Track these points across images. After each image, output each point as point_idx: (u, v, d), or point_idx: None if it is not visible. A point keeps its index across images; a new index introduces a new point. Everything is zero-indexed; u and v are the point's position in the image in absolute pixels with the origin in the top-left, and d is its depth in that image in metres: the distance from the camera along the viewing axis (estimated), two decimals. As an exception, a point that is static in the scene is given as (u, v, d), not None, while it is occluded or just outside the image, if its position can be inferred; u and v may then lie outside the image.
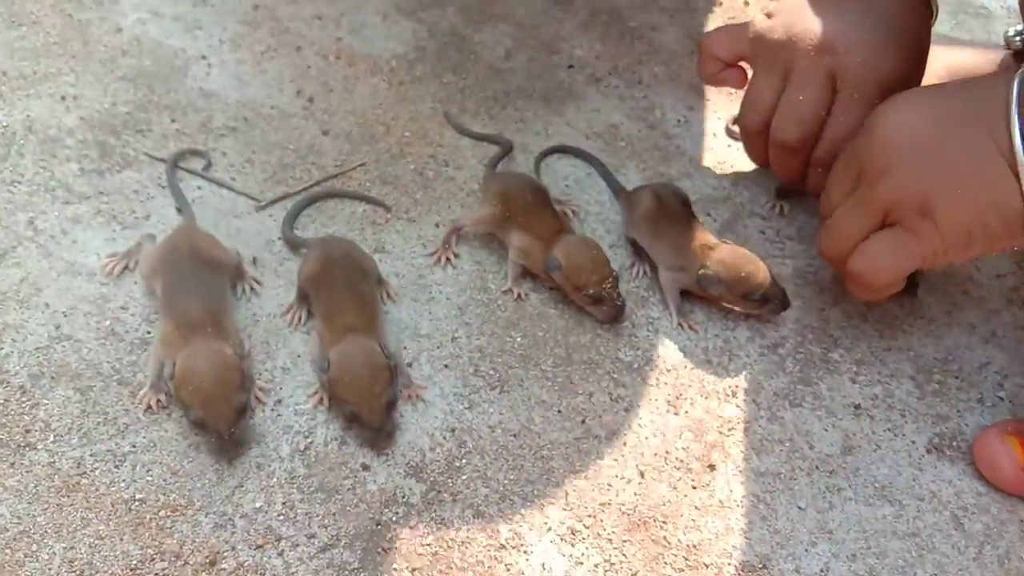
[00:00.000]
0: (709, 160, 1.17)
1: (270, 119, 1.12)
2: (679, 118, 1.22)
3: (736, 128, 1.17)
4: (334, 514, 0.78)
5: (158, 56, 1.18)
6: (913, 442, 0.90)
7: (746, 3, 1.42)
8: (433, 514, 0.79)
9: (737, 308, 0.97)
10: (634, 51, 1.31)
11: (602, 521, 0.81)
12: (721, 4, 1.42)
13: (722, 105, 1.24)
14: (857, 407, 0.93)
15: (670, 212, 0.99)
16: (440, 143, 1.13)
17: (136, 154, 1.06)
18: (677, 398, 0.91)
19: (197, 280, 0.85)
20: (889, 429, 0.91)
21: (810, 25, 0.95)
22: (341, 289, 0.87)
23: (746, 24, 1.03)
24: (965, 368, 0.98)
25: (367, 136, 1.12)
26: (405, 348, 0.91)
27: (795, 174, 1.02)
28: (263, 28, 1.24)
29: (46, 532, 0.75)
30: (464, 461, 0.83)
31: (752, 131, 1.03)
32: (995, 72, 1.11)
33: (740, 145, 1.18)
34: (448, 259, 0.99)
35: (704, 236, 0.97)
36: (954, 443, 0.91)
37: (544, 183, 1.06)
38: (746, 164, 1.16)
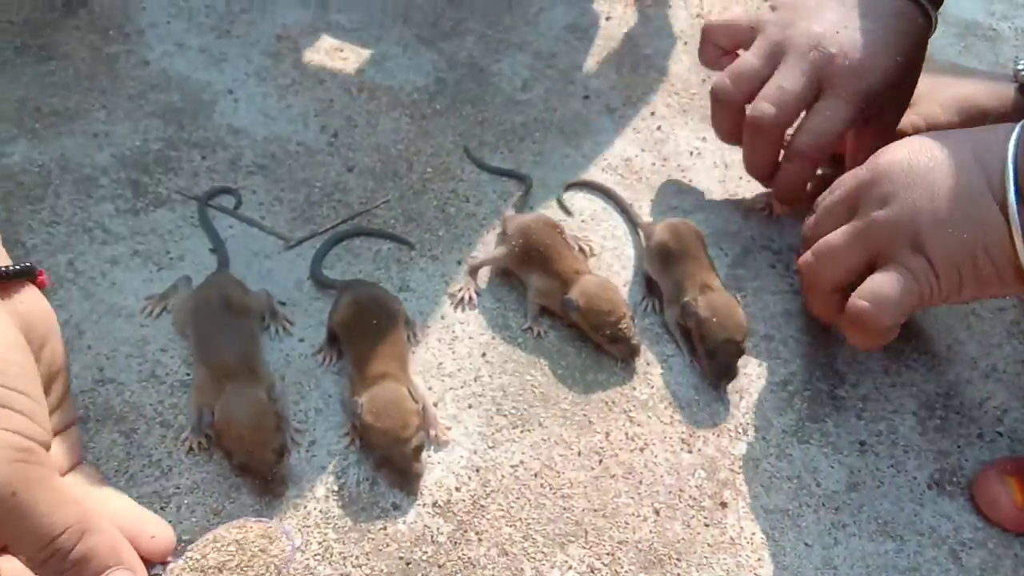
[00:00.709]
0: (720, 193, 1.20)
1: (296, 156, 1.16)
2: (692, 150, 1.26)
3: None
4: (367, 553, 0.83)
5: (186, 91, 1.22)
6: (915, 478, 0.95)
7: (757, 28, 1.45)
8: (460, 553, 0.84)
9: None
10: (648, 80, 1.34)
11: (620, 559, 0.86)
12: (733, 29, 1.44)
13: (734, 136, 1.28)
14: (862, 444, 0.97)
15: (680, 248, 1.03)
16: (461, 178, 1.17)
17: (168, 192, 1.10)
18: (690, 436, 0.96)
19: (228, 329, 0.90)
20: (892, 465, 0.96)
21: (808, 22, 0.99)
22: (371, 335, 0.91)
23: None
24: (966, 403, 1.02)
25: (390, 172, 1.16)
26: (430, 388, 0.96)
27: (764, 161, 1.06)
28: (286, 61, 1.28)
29: (100, 573, 0.80)
30: (488, 500, 0.88)
31: (726, 99, 1.06)
32: (1005, 110, 1.15)
33: (750, 177, 1.22)
34: (470, 298, 1.04)
35: (705, 275, 1.00)
36: (954, 479, 0.96)
37: (563, 218, 1.10)
38: (759, 198, 1.20)
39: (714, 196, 1.20)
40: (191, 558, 0.74)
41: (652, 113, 1.30)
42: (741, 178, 1.23)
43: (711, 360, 0.97)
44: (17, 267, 0.71)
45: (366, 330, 0.92)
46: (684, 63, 1.38)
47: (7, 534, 0.59)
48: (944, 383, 1.04)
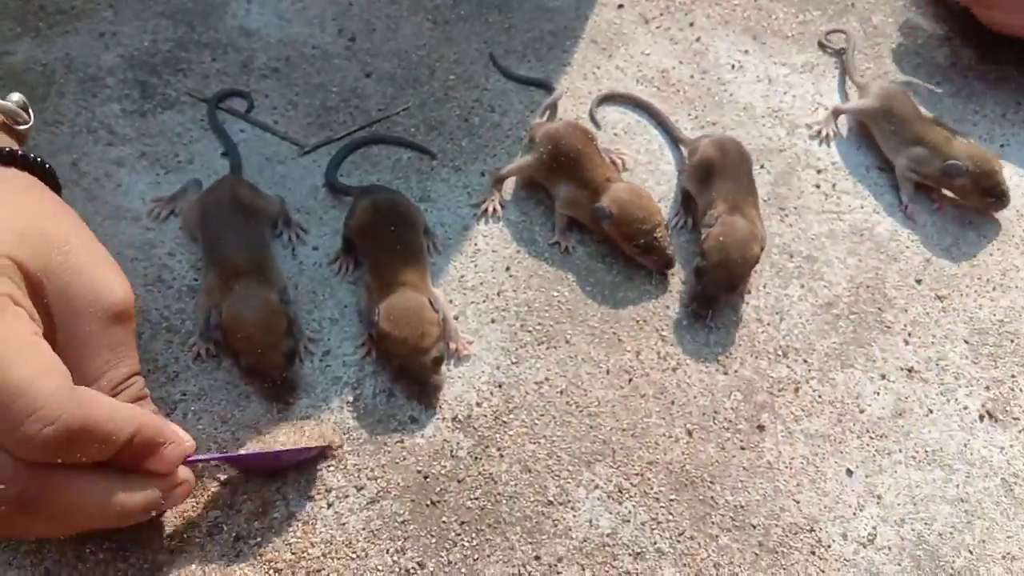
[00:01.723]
0: (763, 108, 1.14)
1: (312, 60, 1.10)
2: (733, 63, 1.19)
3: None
4: (383, 466, 0.79)
5: (196, -9, 1.15)
6: (965, 407, 0.90)
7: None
8: (481, 468, 0.80)
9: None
10: (687, -10, 1.27)
11: (649, 480, 0.81)
12: (779, -61, 1.36)
13: (779, 49, 1.20)
14: (910, 370, 0.92)
15: (723, 167, 0.96)
16: (485, 87, 1.11)
17: (177, 95, 1.05)
18: (726, 357, 0.90)
19: (239, 230, 0.85)
20: (942, 393, 0.90)
21: None
22: (389, 242, 0.87)
23: None
24: (1021, 331, 0.96)
25: (411, 79, 1.10)
26: (451, 301, 0.91)
27: None
28: (304, -40, 1.21)
29: (102, 478, 0.76)
30: (511, 416, 0.84)
31: None
32: None
33: (797, 91, 1.15)
34: (494, 210, 0.98)
35: (742, 198, 0.94)
36: (1007, 408, 0.90)
37: (593, 131, 1.04)
38: (803, 113, 1.13)
39: (757, 111, 1.13)
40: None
41: (691, 24, 1.22)
42: (786, 93, 1.16)
43: (697, 278, 0.91)
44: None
45: (384, 236, 0.87)
46: (726, -27, 1.30)
47: (116, 353, 0.64)
48: (999, 309, 0.98)
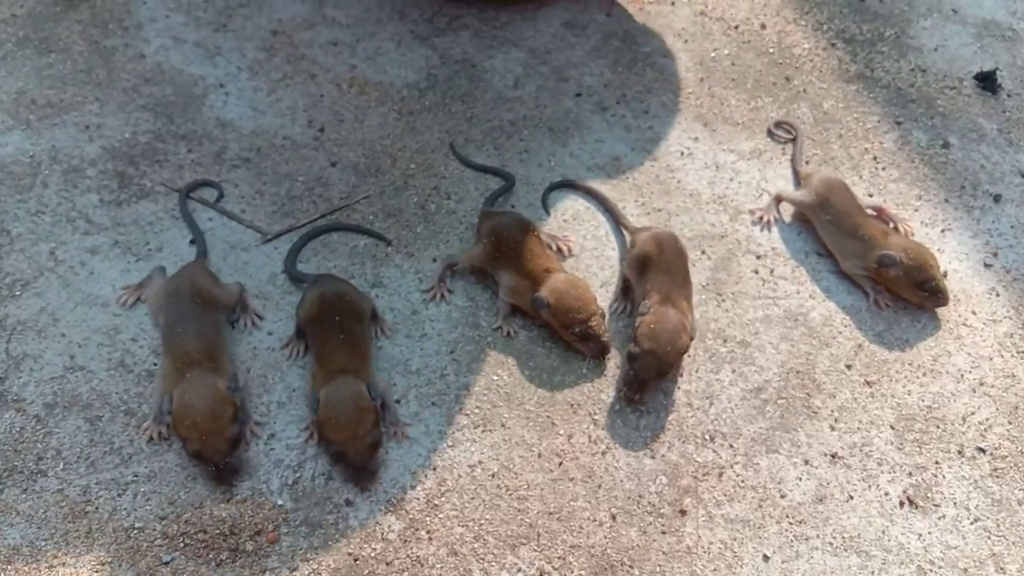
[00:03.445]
0: (709, 195, 1.19)
1: (282, 150, 1.18)
2: (683, 150, 1.24)
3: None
4: (316, 548, 0.84)
5: (178, 84, 1.24)
6: (887, 493, 0.93)
7: (763, 26, 1.43)
8: (409, 551, 0.85)
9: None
10: (644, 79, 1.33)
11: (571, 563, 0.85)
12: (737, 28, 1.42)
13: (728, 136, 1.26)
14: (834, 456, 0.95)
15: (660, 261, 1.01)
16: (444, 175, 1.17)
17: (152, 184, 1.12)
18: (655, 441, 0.95)
19: (195, 319, 0.91)
20: (864, 479, 0.94)
21: None
22: (334, 331, 0.92)
23: None
24: (948, 417, 0.99)
25: (373, 168, 1.17)
26: (395, 384, 0.96)
27: None
28: (280, 54, 1.29)
29: (54, 557, 0.82)
30: (443, 499, 0.88)
31: None
32: None
33: (743, 178, 1.20)
34: (443, 295, 1.04)
35: (675, 291, 0.99)
36: (928, 494, 0.93)
37: (542, 217, 1.10)
38: (747, 199, 1.18)
39: (702, 198, 1.18)
40: None
41: (645, 112, 1.28)
42: (732, 179, 1.21)
43: (629, 363, 0.95)
44: None
45: (329, 326, 0.93)
46: (683, 61, 1.36)
47: None
48: (928, 395, 1.01)
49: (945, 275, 1.11)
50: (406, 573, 0.83)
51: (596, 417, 0.96)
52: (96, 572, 0.81)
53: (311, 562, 0.83)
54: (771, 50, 1.39)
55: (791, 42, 1.41)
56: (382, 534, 0.86)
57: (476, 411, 0.95)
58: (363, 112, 1.24)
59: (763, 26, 1.42)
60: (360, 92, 1.26)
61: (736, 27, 1.42)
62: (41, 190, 1.10)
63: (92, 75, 1.23)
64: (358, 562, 0.84)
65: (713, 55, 1.37)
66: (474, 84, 1.29)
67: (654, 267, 1.01)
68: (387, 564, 0.84)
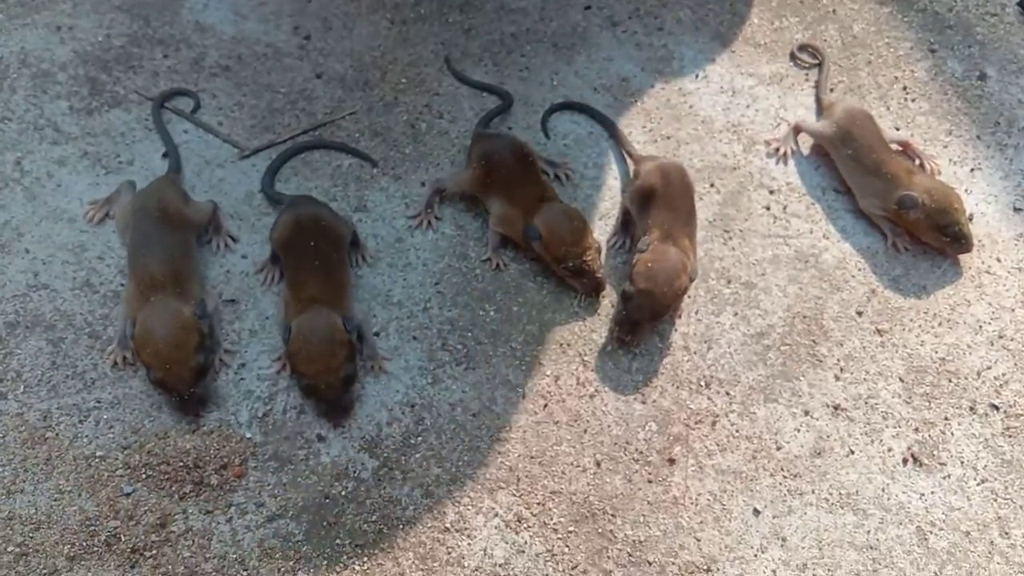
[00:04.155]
0: (722, 122, 1.11)
1: (264, 59, 1.11)
2: (698, 72, 1.16)
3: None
4: (285, 484, 0.81)
5: (157, -18, 1.16)
6: (890, 449, 0.89)
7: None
8: (383, 491, 0.82)
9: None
10: (660, -9, 1.24)
11: (551, 510, 0.82)
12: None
13: (748, 58, 1.18)
14: (836, 407, 0.91)
15: (664, 194, 0.95)
16: (437, 91, 1.11)
17: (126, 92, 1.06)
18: (647, 385, 0.90)
19: (161, 239, 0.87)
20: (867, 433, 0.89)
21: None
22: (309, 258, 0.87)
23: None
24: (962, 371, 0.94)
25: (361, 81, 1.10)
26: (375, 316, 0.92)
27: None
28: (267, -46, 1.21)
29: (11, 483, 0.79)
30: (420, 439, 0.85)
31: None
32: None
33: (760, 105, 1.13)
34: (429, 223, 0.99)
35: (678, 228, 0.93)
36: (934, 452, 0.89)
37: (540, 141, 1.04)
38: (763, 128, 1.11)
39: (715, 125, 1.11)
40: None
41: (660, 28, 1.20)
42: (748, 107, 1.14)
43: (623, 303, 0.91)
44: None
45: (303, 252, 0.88)
46: (704, -26, 1.26)
47: None
48: (942, 346, 0.96)
49: (971, 218, 1.04)
50: (377, 514, 0.80)
51: (586, 358, 0.92)
52: (55, 501, 0.79)
53: (279, 499, 0.80)
54: (801, -35, 1.29)
55: (823, -44, 1.30)
56: (355, 472, 0.83)
57: (459, 347, 0.91)
58: (353, 19, 1.16)
59: (794, -62, 1.32)
60: (352, -3, 1.18)
61: (764, -62, 1.31)
62: (8, 95, 1.04)
63: (64, -30, 1.16)
64: (328, 500, 0.81)
65: (737, -32, 1.27)
66: (475, -7, 1.20)
67: (657, 201, 0.95)
68: (358, 504, 0.81)
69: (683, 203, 0.96)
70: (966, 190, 1.08)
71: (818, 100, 1.13)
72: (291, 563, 0.77)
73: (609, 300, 0.96)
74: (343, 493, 0.81)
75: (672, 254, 0.90)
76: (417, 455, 0.84)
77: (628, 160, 1.05)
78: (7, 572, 0.75)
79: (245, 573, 0.76)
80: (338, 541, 0.79)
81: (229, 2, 1.15)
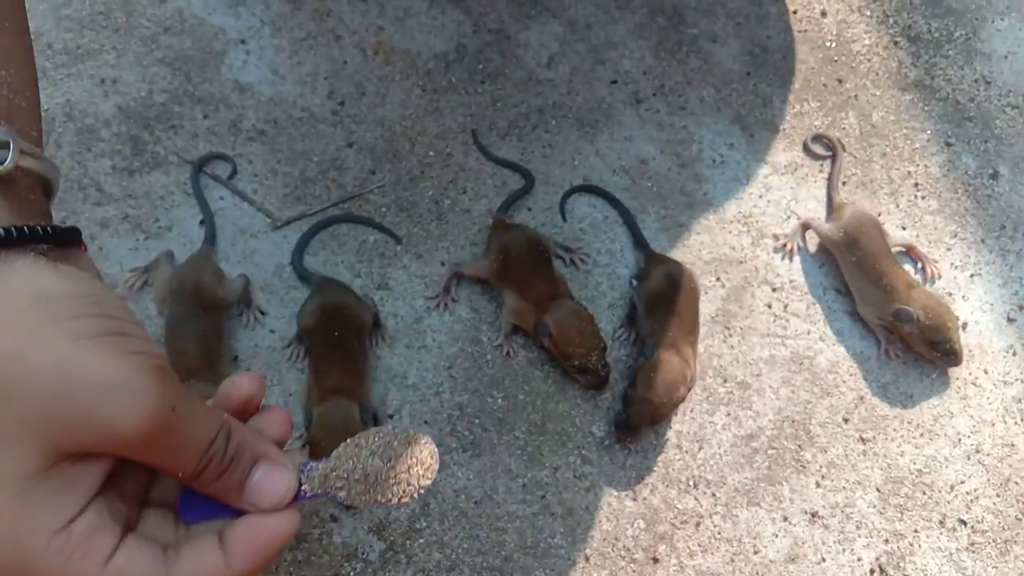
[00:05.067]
0: (734, 212, 1.18)
1: (299, 123, 1.18)
2: (715, 157, 1.22)
3: None
4: (300, 562, 0.91)
5: (198, 36, 1.22)
6: (859, 559, 0.97)
7: (823, 14, 1.36)
8: (387, 573, 0.91)
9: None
10: (686, 67, 1.29)
11: (540, 601, 0.91)
12: (796, 13, 1.36)
13: (766, 144, 1.23)
14: (814, 515, 0.99)
15: (671, 300, 1.02)
16: (463, 166, 1.17)
17: (166, 153, 1.13)
18: (639, 482, 0.99)
19: (197, 322, 0.95)
20: (839, 542, 0.98)
21: None
22: (332, 347, 0.96)
23: None
24: (937, 483, 1.02)
25: (391, 152, 1.17)
26: (390, 399, 1.00)
27: None
28: (305, 9, 1.27)
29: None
30: (424, 524, 0.94)
31: None
32: None
33: (773, 195, 1.19)
34: (447, 305, 1.06)
35: (680, 336, 1.00)
36: (900, 564, 0.97)
37: (558, 224, 1.11)
38: (774, 221, 1.17)
39: (727, 215, 1.18)
40: (337, 458, 0.71)
41: (682, 108, 1.26)
42: (761, 197, 1.20)
43: (623, 406, 0.98)
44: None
45: (327, 340, 0.96)
46: (731, 49, 1.31)
47: (167, 453, 0.55)
48: (921, 458, 1.04)
49: (964, 327, 1.11)
50: (382, 596, 0.90)
51: (584, 451, 1.00)
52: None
53: (292, 575, 0.90)
54: (828, 43, 1.34)
55: (851, 35, 1.35)
56: (363, 554, 0.92)
57: (467, 434, 1.00)
58: (386, 84, 1.22)
59: (824, 13, 1.36)
60: (385, 60, 1.24)
61: (795, 12, 1.36)
62: (54, 150, 1.12)
63: (111, 19, 1.22)
64: (337, 580, 0.90)
65: (764, 45, 1.32)
66: (505, 60, 1.26)
67: (665, 306, 1.02)
68: (365, 585, 0.90)
69: (688, 311, 1.03)
70: (963, 297, 1.14)
71: (829, 197, 1.19)
72: (302, 638, 0.87)
73: (611, 393, 1.04)
74: (351, 574, 0.91)
75: (674, 364, 0.98)
76: (421, 540, 0.94)
77: (640, 254, 1.12)
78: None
79: (261, 645, 0.86)
80: (345, 620, 0.89)
81: (268, 60, 1.22)
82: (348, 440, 0.68)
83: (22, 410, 0.50)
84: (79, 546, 0.54)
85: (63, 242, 0.55)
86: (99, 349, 0.52)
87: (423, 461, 0.70)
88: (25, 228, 0.52)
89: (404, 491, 0.68)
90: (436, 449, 0.68)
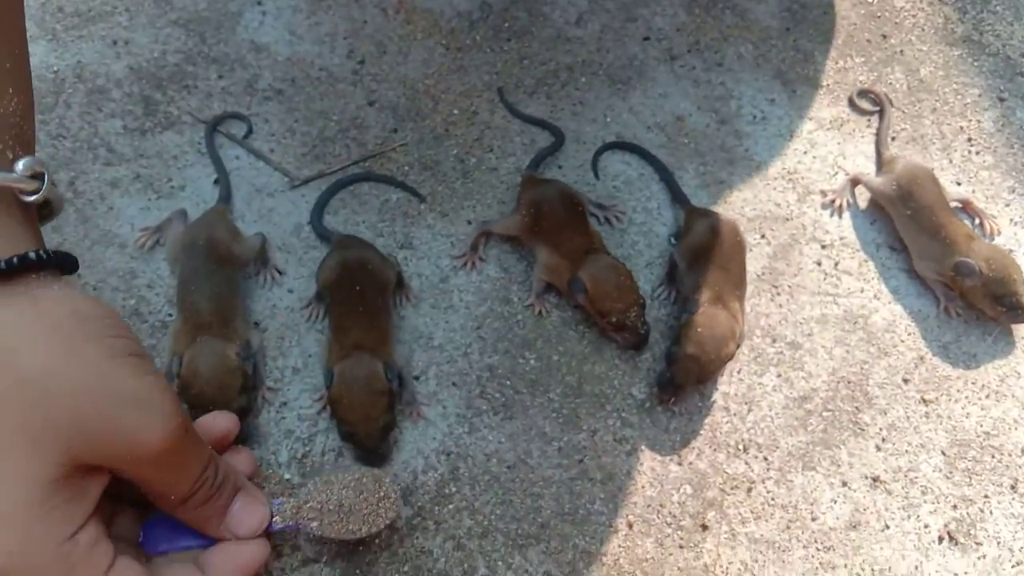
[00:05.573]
0: (778, 169, 1.13)
1: (317, 83, 1.14)
2: (756, 113, 1.17)
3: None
4: (321, 529, 0.85)
5: (213, -3, 1.20)
6: (926, 526, 0.91)
7: (864, -30, 1.32)
8: (415, 541, 0.86)
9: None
10: (722, 24, 1.25)
11: (580, 570, 0.85)
12: (834, -31, 1.32)
13: (808, 100, 1.18)
14: (875, 479, 0.93)
15: (716, 253, 0.97)
16: (488, 124, 1.13)
17: (179, 113, 1.10)
18: (684, 446, 0.93)
19: (209, 277, 0.91)
20: (904, 508, 0.91)
21: None
22: (354, 302, 0.91)
23: None
24: (1006, 447, 0.96)
25: (413, 111, 1.13)
26: (416, 360, 0.96)
27: None
28: (324, -30, 1.24)
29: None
30: (454, 489, 0.89)
31: None
32: None
33: (819, 151, 1.14)
34: (474, 264, 1.02)
35: (728, 289, 0.95)
36: (971, 531, 0.91)
37: (590, 181, 1.06)
38: (820, 177, 1.12)
39: (770, 172, 1.12)
40: (308, 493, 0.75)
41: (719, 64, 1.21)
42: (806, 153, 1.15)
43: (667, 364, 0.93)
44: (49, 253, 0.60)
45: (349, 296, 0.92)
46: (769, 5, 1.27)
47: (172, 471, 0.62)
48: (987, 419, 0.97)
49: (1029, 284, 1.05)
50: (409, 564, 0.85)
51: (624, 414, 0.94)
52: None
53: (314, 544, 0.85)
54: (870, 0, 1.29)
55: (894, -9, 1.30)
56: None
57: (498, 396, 0.95)
58: (408, 43, 1.18)
59: (866, -30, 1.31)
60: (407, 20, 1.21)
61: (833, -32, 1.31)
62: (63, 111, 1.09)
63: (122, -19, 1.20)
64: (362, 547, 0.85)
65: (803, 1, 1.27)
66: (532, 18, 1.22)
67: (709, 260, 0.97)
68: (391, 553, 0.85)
69: (735, 263, 0.98)
70: (1026, 253, 1.08)
71: (878, 152, 1.14)
72: (324, 609, 0.82)
73: (651, 353, 0.98)
74: (377, 541, 0.86)
75: (722, 319, 0.93)
76: (451, 506, 0.88)
77: (680, 209, 1.07)
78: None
79: (279, 616, 0.81)
80: (370, 589, 0.83)
81: (285, 20, 1.18)
82: (317, 479, 0.75)
83: (55, 417, 0.55)
84: (83, 557, 0.58)
85: (74, 266, 0.62)
86: (130, 367, 0.59)
87: (389, 495, 0.73)
88: (52, 252, 0.59)
89: (373, 523, 0.74)
90: (398, 488, 0.77)
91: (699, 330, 0.92)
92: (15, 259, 0.56)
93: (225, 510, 0.68)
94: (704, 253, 0.97)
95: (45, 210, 0.63)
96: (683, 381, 0.92)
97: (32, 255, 0.57)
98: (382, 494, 0.79)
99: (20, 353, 0.55)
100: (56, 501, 0.56)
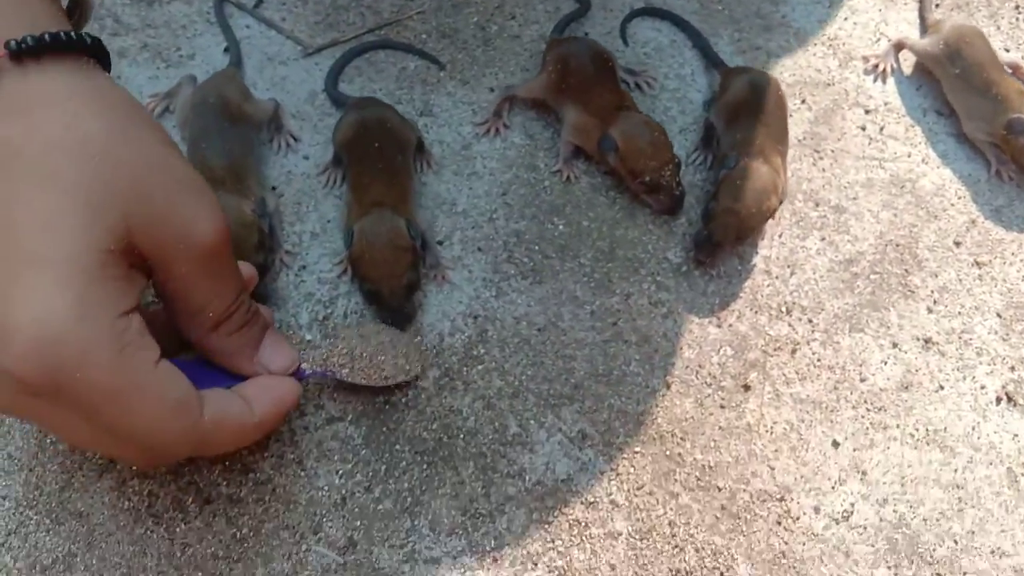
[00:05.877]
0: (817, 35, 1.08)
1: (330, -49, 1.10)
2: (792, -20, 1.12)
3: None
4: (344, 389, 0.82)
5: None
6: (983, 387, 0.86)
7: None
8: (443, 400, 0.82)
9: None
10: None
11: (617, 429, 0.82)
12: None
13: (847, -33, 1.13)
14: (928, 341, 0.88)
15: (754, 109, 0.92)
16: (511, -9, 1.08)
17: (187, -17, 1.06)
18: (723, 309, 0.89)
19: (220, 134, 0.87)
20: (959, 369, 0.87)
21: None
22: (373, 160, 0.87)
23: None
24: (1068, 309, 0.91)
25: (431, -22, 1.09)
26: (439, 225, 0.92)
27: None
28: None
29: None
30: (483, 350, 0.85)
31: None
32: None
33: (860, 18, 1.09)
34: (498, 130, 0.97)
35: (768, 144, 0.90)
36: (1031, 393, 0.86)
37: (619, 48, 1.01)
38: (862, 44, 1.07)
39: (809, 38, 1.07)
40: (339, 340, 0.76)
41: (753, -69, 1.15)
42: (847, 19, 1.10)
43: (704, 222, 0.89)
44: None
45: (367, 153, 0.88)
46: None
47: (219, 270, 0.63)
48: (1046, 283, 0.93)
49: (1086, 147, 0.99)
50: (437, 423, 0.81)
51: (659, 278, 0.90)
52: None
53: (338, 401, 0.82)
54: None
55: None
56: (416, 380, 0.83)
57: (526, 261, 0.91)
58: (425, -86, 1.13)
59: None
60: None
61: None
62: (66, -17, 1.05)
63: None
64: (388, 406, 0.82)
65: None
66: None
67: (748, 116, 0.92)
68: (418, 412, 0.82)
69: (776, 119, 0.93)
70: (1083, 117, 1.02)
71: (922, 18, 1.09)
72: (349, 466, 0.79)
73: (686, 218, 0.94)
74: (403, 400, 0.82)
75: (763, 172, 0.88)
76: (479, 367, 0.85)
77: (715, 71, 1.02)
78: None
79: (303, 472, 0.78)
80: (397, 447, 0.80)
81: None
82: (344, 329, 0.77)
83: (117, 184, 0.54)
84: (135, 339, 0.56)
85: (109, 67, 0.62)
86: (180, 156, 0.61)
87: (419, 346, 0.70)
88: (96, 38, 0.59)
89: (405, 370, 0.71)
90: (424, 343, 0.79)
91: (738, 183, 0.87)
92: (73, 33, 0.56)
93: (258, 343, 0.68)
94: (743, 109, 0.93)
95: (74, 17, 0.66)
96: (721, 238, 0.88)
97: (87, 36, 0.57)
98: (412, 344, 0.77)
99: (82, 117, 0.54)
100: (112, 274, 0.54)
